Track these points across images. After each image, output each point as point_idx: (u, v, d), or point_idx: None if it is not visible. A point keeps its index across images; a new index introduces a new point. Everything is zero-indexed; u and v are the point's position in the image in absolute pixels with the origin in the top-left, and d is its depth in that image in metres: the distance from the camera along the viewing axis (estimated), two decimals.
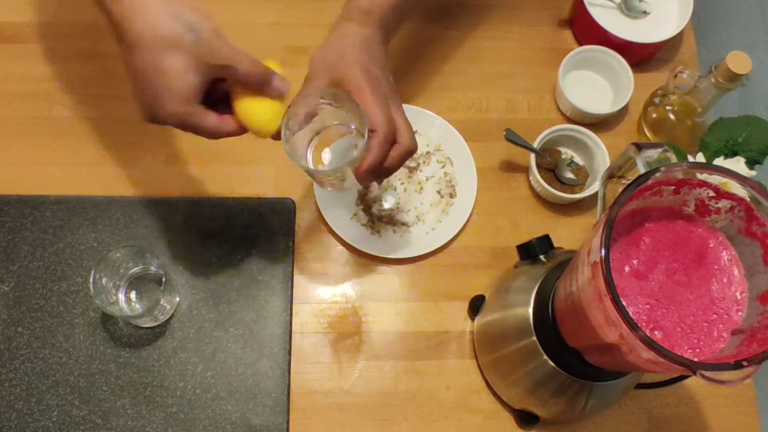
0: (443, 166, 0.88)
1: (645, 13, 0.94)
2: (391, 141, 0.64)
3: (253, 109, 0.61)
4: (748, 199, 0.51)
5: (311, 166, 0.68)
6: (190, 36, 0.56)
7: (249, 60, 0.60)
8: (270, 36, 0.93)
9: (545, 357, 0.66)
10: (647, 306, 0.52)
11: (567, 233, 0.86)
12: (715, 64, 0.77)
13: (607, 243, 0.48)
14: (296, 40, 0.92)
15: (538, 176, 0.84)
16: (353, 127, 0.67)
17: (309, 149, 0.68)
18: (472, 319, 0.81)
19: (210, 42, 0.58)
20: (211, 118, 0.60)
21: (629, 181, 0.50)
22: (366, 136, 0.62)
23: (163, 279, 0.74)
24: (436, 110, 0.89)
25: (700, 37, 0.98)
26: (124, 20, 0.56)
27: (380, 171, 0.65)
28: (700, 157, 0.84)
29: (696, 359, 0.50)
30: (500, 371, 0.76)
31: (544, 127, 0.85)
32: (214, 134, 0.61)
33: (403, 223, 0.85)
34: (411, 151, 0.66)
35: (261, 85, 0.61)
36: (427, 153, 0.89)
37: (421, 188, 0.87)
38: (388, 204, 0.86)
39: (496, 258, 0.85)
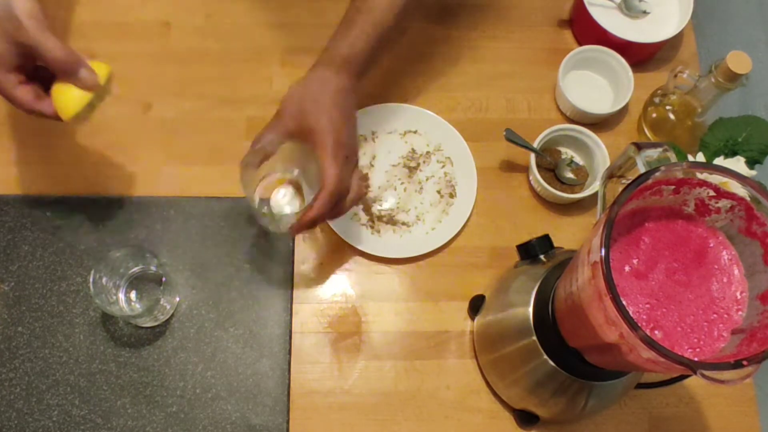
0: (443, 166, 0.88)
1: (645, 13, 0.94)
2: (339, 199, 0.69)
3: (59, 92, 0.67)
4: (748, 199, 0.51)
5: (256, 202, 0.73)
6: (10, 24, 0.62)
7: (59, 47, 0.64)
8: (270, 36, 0.93)
9: (545, 357, 0.66)
10: (647, 305, 0.52)
11: (567, 233, 0.86)
12: (715, 64, 0.77)
13: (607, 243, 0.48)
14: (296, 40, 0.92)
15: (538, 176, 0.84)
16: (295, 173, 0.72)
17: (259, 186, 0.73)
18: (472, 319, 0.81)
19: (19, 20, 0.62)
20: (22, 91, 0.66)
21: (629, 181, 0.50)
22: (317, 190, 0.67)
23: (163, 279, 0.74)
24: (436, 110, 0.89)
25: (700, 37, 0.98)
26: None
27: (315, 224, 0.69)
28: (700, 157, 0.84)
29: (696, 359, 0.50)
30: (500, 371, 0.76)
31: (544, 127, 0.85)
32: (24, 107, 0.66)
33: (403, 223, 0.85)
34: (342, 214, 0.72)
35: (67, 73, 0.65)
36: (427, 153, 0.89)
37: (421, 188, 0.87)
38: (388, 204, 0.86)
39: (496, 258, 0.85)
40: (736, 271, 0.53)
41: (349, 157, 0.69)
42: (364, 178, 0.84)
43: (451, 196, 0.87)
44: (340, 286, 0.83)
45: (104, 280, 0.74)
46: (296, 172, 0.74)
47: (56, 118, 0.68)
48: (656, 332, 0.51)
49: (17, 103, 0.67)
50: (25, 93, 0.66)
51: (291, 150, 0.70)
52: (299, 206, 0.72)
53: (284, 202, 0.73)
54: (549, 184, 0.84)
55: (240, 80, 0.91)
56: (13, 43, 0.63)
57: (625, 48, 0.89)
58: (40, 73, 0.68)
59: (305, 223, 0.68)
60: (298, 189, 0.73)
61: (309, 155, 0.68)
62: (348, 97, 0.71)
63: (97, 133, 0.88)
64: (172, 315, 0.79)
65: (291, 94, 0.70)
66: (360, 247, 0.83)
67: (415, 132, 0.89)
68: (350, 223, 0.85)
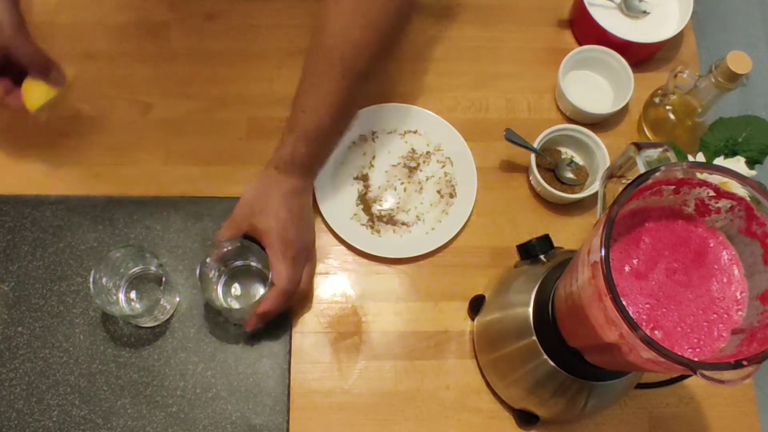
0: (443, 166, 0.88)
1: (645, 13, 0.94)
2: (289, 296, 0.74)
3: (28, 86, 0.75)
4: (748, 199, 0.51)
5: (220, 296, 0.79)
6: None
7: (31, 49, 0.72)
8: (270, 37, 0.93)
9: (545, 357, 0.66)
10: (647, 305, 0.52)
11: (567, 233, 0.86)
12: (715, 63, 0.77)
13: (607, 243, 0.48)
14: (296, 41, 0.92)
15: (538, 176, 0.84)
16: (255, 266, 0.79)
17: (220, 281, 0.79)
18: (472, 319, 0.81)
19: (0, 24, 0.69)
20: None
21: (629, 181, 0.50)
22: (268, 285, 0.73)
23: (163, 279, 0.74)
24: (436, 110, 0.89)
25: (700, 37, 0.98)
26: None
27: (268, 318, 0.74)
28: (700, 157, 0.84)
29: (696, 359, 0.50)
30: (500, 371, 0.76)
31: (544, 127, 0.85)
32: None
33: (403, 223, 0.85)
34: (291, 306, 0.78)
35: (39, 71, 0.73)
36: (427, 153, 0.89)
37: (421, 188, 0.87)
38: (388, 204, 0.86)
39: (496, 258, 0.85)
40: (736, 271, 0.53)
41: (296, 256, 0.74)
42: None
43: (451, 196, 0.87)
44: (340, 286, 0.83)
45: (104, 280, 0.74)
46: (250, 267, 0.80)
47: (21, 109, 0.75)
48: (656, 332, 0.51)
49: None
50: None
51: (241, 253, 0.77)
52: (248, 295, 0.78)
53: (239, 294, 0.79)
54: (549, 184, 0.84)
55: (240, 80, 0.90)
56: None
57: (625, 48, 0.89)
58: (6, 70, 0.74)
59: (259, 318, 0.74)
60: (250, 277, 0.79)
61: (259, 257, 0.75)
62: (297, 197, 0.75)
63: (98, 133, 0.88)
64: (172, 315, 0.79)
65: (243, 194, 0.75)
66: (360, 247, 0.83)
67: (415, 132, 0.89)
68: (350, 223, 0.85)
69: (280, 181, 0.74)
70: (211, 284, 0.77)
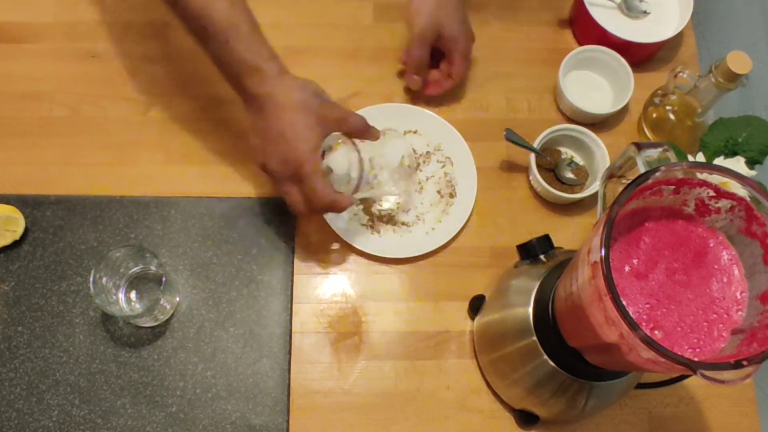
0: (443, 166, 0.88)
1: (645, 13, 0.94)
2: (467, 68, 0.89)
3: None
4: (748, 199, 0.51)
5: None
6: (316, 100, 0.71)
7: (353, 114, 0.74)
8: (270, 36, 0.93)
9: (545, 357, 0.66)
10: (647, 305, 0.52)
11: (567, 233, 0.86)
12: (715, 64, 0.77)
13: (607, 242, 0.48)
14: (296, 40, 0.92)
15: (538, 176, 0.84)
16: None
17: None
18: (472, 319, 0.81)
19: (329, 104, 0.73)
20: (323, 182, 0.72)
21: (629, 181, 0.50)
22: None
23: (163, 279, 0.74)
24: (436, 110, 0.89)
25: (700, 37, 0.98)
26: (264, 92, 0.69)
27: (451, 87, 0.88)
28: (700, 157, 0.84)
29: (696, 359, 0.50)
30: (500, 371, 0.76)
31: (544, 127, 0.85)
32: (325, 199, 0.71)
33: (403, 223, 0.85)
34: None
35: (362, 134, 0.75)
36: (427, 153, 0.89)
37: (421, 188, 0.87)
38: (388, 204, 0.86)
39: (496, 258, 0.85)
40: (736, 271, 0.53)
41: (469, 41, 0.87)
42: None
43: (451, 196, 0.87)
44: (340, 286, 0.83)
45: (104, 280, 0.74)
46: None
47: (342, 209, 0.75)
48: (656, 332, 0.51)
49: (318, 187, 0.71)
50: (321, 177, 0.72)
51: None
52: (357, 162, 0.76)
53: (342, 160, 0.75)
54: (549, 184, 0.84)
55: None
56: (324, 127, 0.71)
57: (625, 48, 0.89)
58: None
59: (447, 88, 0.88)
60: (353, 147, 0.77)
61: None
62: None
63: (97, 133, 0.88)
64: (172, 315, 0.79)
65: (421, 13, 0.82)
66: (360, 247, 0.83)
67: (415, 132, 0.89)
68: (350, 223, 0.85)
69: None
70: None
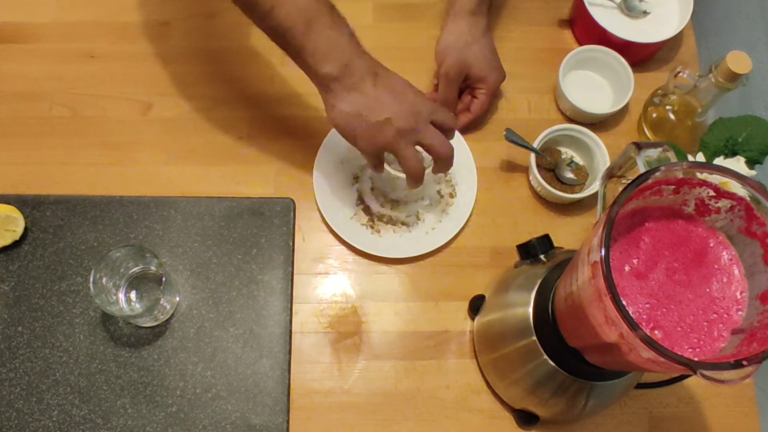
0: None
1: (645, 13, 0.94)
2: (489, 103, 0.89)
3: None
4: (748, 199, 0.51)
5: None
6: None
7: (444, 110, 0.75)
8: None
9: (545, 357, 0.66)
10: (647, 305, 0.52)
11: (567, 233, 0.86)
12: (715, 63, 0.77)
13: (607, 242, 0.48)
14: None
15: (538, 176, 0.84)
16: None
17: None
18: (472, 319, 0.81)
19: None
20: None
21: (629, 181, 0.50)
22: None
23: (163, 279, 0.74)
24: None
25: (700, 37, 0.98)
26: (375, 62, 0.70)
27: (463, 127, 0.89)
28: (700, 157, 0.84)
29: (696, 358, 0.50)
30: (500, 371, 0.76)
31: (544, 127, 0.85)
32: (453, 123, 0.74)
33: (403, 223, 0.85)
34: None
35: (449, 133, 0.75)
36: None
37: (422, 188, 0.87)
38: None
39: (496, 258, 0.85)
40: (736, 271, 0.53)
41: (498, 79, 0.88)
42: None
43: (451, 196, 0.87)
44: (340, 286, 0.83)
45: (104, 280, 0.74)
46: None
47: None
48: (656, 332, 0.51)
49: (449, 122, 0.73)
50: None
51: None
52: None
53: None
54: (549, 184, 0.84)
55: (240, 80, 0.91)
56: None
57: (625, 48, 0.89)
58: None
59: (464, 122, 0.87)
60: None
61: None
62: (488, 32, 0.86)
63: (97, 133, 0.88)
64: (172, 315, 0.79)
65: (445, 50, 0.84)
66: (360, 247, 0.83)
67: None
68: (350, 223, 0.85)
69: (477, 24, 0.84)
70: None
